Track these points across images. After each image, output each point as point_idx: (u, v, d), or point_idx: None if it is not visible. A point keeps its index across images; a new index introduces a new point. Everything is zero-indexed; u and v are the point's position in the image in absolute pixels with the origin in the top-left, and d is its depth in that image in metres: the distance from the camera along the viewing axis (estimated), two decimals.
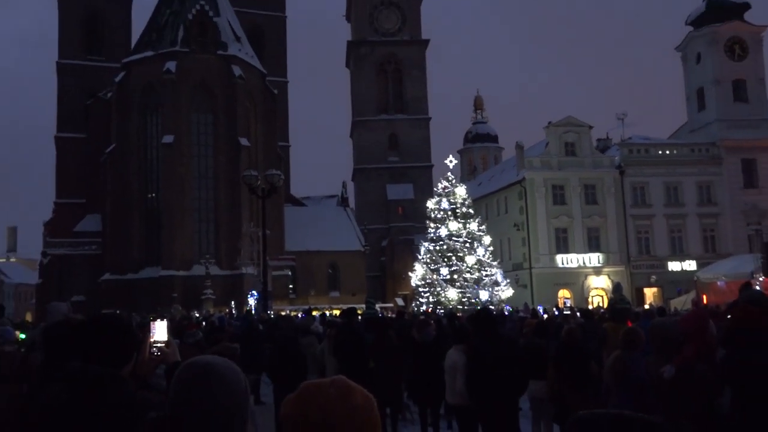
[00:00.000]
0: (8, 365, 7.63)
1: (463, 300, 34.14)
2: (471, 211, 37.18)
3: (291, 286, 55.30)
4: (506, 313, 25.48)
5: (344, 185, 68.71)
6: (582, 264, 46.55)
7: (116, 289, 49.22)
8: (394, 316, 21.11)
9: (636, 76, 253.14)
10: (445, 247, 35.67)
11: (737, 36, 49.49)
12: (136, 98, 53.65)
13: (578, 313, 19.26)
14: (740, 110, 48.57)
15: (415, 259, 39.35)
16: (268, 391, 13.26)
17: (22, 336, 9.33)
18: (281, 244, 54.11)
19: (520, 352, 7.96)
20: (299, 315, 22.96)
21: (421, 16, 72.89)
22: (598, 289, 45.78)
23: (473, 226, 36.27)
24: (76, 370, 2.73)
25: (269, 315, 23.98)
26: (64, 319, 5.10)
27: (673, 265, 45.91)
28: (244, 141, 52.54)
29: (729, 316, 6.77)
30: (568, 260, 46.62)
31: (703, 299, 29.13)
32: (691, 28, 51.59)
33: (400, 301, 52.41)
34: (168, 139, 51.13)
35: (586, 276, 46.48)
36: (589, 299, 44.46)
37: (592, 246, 46.86)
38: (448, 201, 36.45)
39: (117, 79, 54.37)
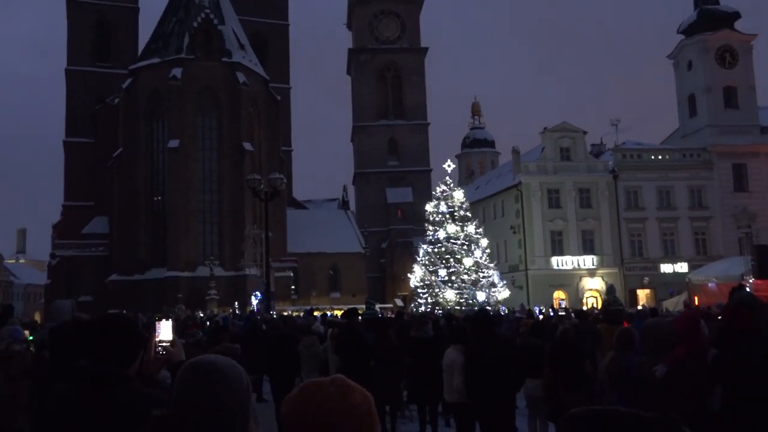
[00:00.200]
0: (18, 364, 7.63)
1: (461, 301, 34.13)
2: (468, 214, 37.19)
3: (293, 287, 55.21)
4: (503, 313, 25.49)
5: (345, 189, 68.69)
6: (576, 266, 46.55)
7: (123, 290, 49.18)
8: (393, 316, 21.10)
9: (629, 83, 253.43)
10: (443, 249, 35.66)
11: (728, 44, 49.56)
12: (142, 104, 53.67)
13: (573, 314, 19.27)
14: (731, 116, 48.62)
15: (414, 260, 39.33)
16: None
17: (31, 336, 9.31)
18: (284, 246, 54.10)
19: (517, 352, 7.96)
20: (300, 315, 22.93)
21: (420, 24, 72.98)
22: (593, 291, 45.78)
23: (471, 228, 36.26)
24: (83, 369, 2.73)
25: (272, 315, 23.95)
26: (72, 319, 5.10)
27: (666, 267, 45.92)
28: (247, 145, 52.56)
29: (719, 318, 6.78)
30: (563, 262, 46.61)
31: (694, 301, 29.12)
32: (682, 37, 51.66)
33: (399, 302, 52.34)
34: (174, 143, 51.16)
35: (580, 278, 46.48)
36: (584, 300, 44.46)
37: (587, 248, 46.87)
38: (447, 204, 36.45)
39: (124, 85, 54.41)
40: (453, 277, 34.92)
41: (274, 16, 69.42)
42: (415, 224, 58.59)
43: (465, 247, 35.63)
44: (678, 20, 54.14)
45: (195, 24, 53.01)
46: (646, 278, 45.89)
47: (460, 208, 36.56)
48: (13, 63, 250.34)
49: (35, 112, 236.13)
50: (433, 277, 35.37)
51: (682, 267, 44.47)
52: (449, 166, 38.06)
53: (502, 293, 35.90)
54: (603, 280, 44.56)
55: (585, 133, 48.90)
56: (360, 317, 13.69)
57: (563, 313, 23.83)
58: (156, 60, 53.38)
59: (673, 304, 29.53)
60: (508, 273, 45.39)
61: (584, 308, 31.38)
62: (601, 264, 46.58)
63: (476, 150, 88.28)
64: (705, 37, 49.26)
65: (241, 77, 53.05)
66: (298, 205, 65.97)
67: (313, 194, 76.06)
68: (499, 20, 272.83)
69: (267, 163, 52.49)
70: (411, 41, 71.69)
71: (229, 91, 52.79)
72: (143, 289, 48.90)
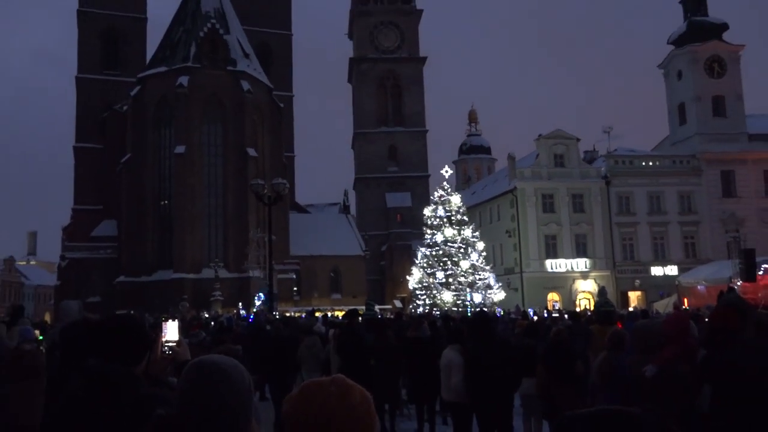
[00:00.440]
0: (29, 362, 7.62)
1: (458, 302, 34.09)
2: (465, 218, 37.16)
3: (295, 288, 55.19)
4: (498, 314, 25.47)
5: (346, 193, 68.65)
6: (570, 269, 46.52)
7: (130, 291, 49.12)
8: (392, 317, 21.09)
9: (621, 91, 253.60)
10: (440, 252, 35.63)
11: (716, 55, 49.61)
12: (150, 111, 53.68)
13: (566, 315, 19.27)
14: (719, 125, 48.65)
15: (413, 263, 39.30)
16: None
17: (41, 337, 9.30)
18: (286, 249, 54.11)
19: (513, 353, 7.95)
20: (302, 316, 22.92)
21: (419, 34, 73.10)
22: (585, 293, 45.74)
23: (467, 232, 36.23)
24: (92, 369, 2.73)
25: (275, 316, 23.93)
26: (82, 319, 5.10)
27: (656, 270, 45.90)
28: (251, 151, 52.56)
29: (707, 319, 6.78)
30: (556, 265, 46.58)
31: (684, 302, 29.14)
32: (672, 47, 51.72)
33: (398, 303, 52.30)
34: (180, 149, 51.15)
35: (573, 280, 46.45)
36: (577, 302, 44.43)
37: (580, 252, 46.85)
38: (444, 209, 36.42)
39: (132, 93, 54.44)
40: (450, 280, 34.89)
41: (277, 26, 69.47)
42: (413, 228, 58.57)
43: (462, 250, 35.60)
44: (668, 31, 54.28)
45: (201, 34, 53.08)
46: (638, 281, 45.86)
47: (457, 212, 36.54)
48: (26, 72, 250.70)
49: (46, 118, 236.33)
50: (431, 279, 35.34)
51: (672, 270, 44.46)
52: (447, 171, 38.06)
53: (498, 295, 35.85)
54: (595, 282, 44.51)
55: (578, 140, 48.93)
56: (360, 318, 13.68)
57: (557, 315, 23.84)
58: (163, 68, 53.40)
59: (664, 305, 29.54)
60: (504, 275, 45.37)
61: (577, 310, 31.35)
62: (594, 267, 46.55)
63: (473, 156, 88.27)
64: (694, 47, 49.32)
65: (246, 85, 53.09)
66: (301, 209, 65.92)
67: (315, 199, 75.92)
68: (495, 31, 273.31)
69: (270, 169, 52.50)
70: (410, 51, 71.79)
71: (234, 99, 52.82)
72: (150, 290, 48.85)
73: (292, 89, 70.25)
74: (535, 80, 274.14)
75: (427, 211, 37.42)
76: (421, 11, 73.19)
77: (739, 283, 24.72)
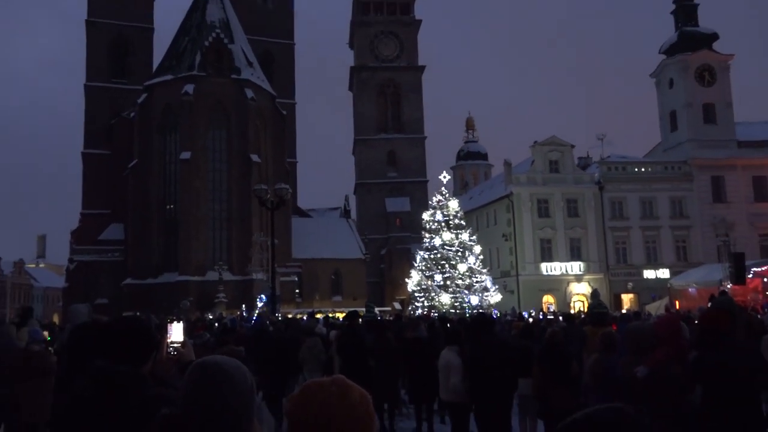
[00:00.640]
0: (37, 363, 7.62)
1: (456, 304, 34.06)
2: (463, 222, 37.15)
3: (297, 290, 55.14)
4: (494, 316, 25.44)
5: (347, 198, 68.67)
6: (564, 272, 46.48)
7: (137, 293, 49.08)
8: (392, 318, 21.07)
9: (615, 99, 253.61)
10: (439, 255, 35.61)
11: (707, 64, 49.67)
12: (156, 118, 53.73)
13: (561, 317, 19.24)
14: (709, 131, 48.69)
15: (412, 266, 39.26)
16: None
17: (49, 337, 9.29)
18: (288, 252, 54.09)
19: (512, 354, 7.94)
20: (304, 318, 22.89)
21: (418, 44, 73.22)
22: (580, 295, 45.69)
23: (465, 236, 36.21)
24: (99, 369, 2.73)
25: (277, 317, 23.91)
26: (91, 321, 5.10)
27: (648, 273, 45.85)
28: (255, 157, 52.59)
29: (697, 321, 6.78)
30: (551, 268, 46.55)
31: (675, 305, 29.15)
32: (664, 57, 51.80)
33: (397, 305, 52.22)
34: (185, 155, 51.20)
35: (568, 283, 46.40)
36: (571, 304, 44.36)
37: (574, 255, 46.82)
38: (442, 213, 36.41)
39: (139, 101, 54.50)
40: (448, 282, 34.86)
41: (280, 35, 69.59)
42: (412, 232, 58.55)
43: (459, 253, 35.57)
44: (660, 41, 54.35)
45: (206, 43, 53.18)
46: (630, 283, 45.81)
47: (455, 216, 36.53)
48: (36, 80, 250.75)
49: (56, 125, 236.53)
50: (429, 282, 35.31)
51: (664, 273, 44.42)
52: (445, 177, 38.05)
53: (495, 297, 35.82)
54: (589, 285, 44.40)
55: (572, 146, 48.93)
56: (360, 320, 13.67)
57: (552, 317, 23.82)
58: (169, 77, 53.48)
59: (656, 308, 29.48)
60: (500, 278, 45.31)
61: (571, 312, 31.31)
62: (588, 270, 46.52)
63: (470, 162, 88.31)
64: (685, 57, 49.39)
65: (250, 93, 53.15)
66: (303, 213, 65.91)
67: (317, 203, 76.02)
68: (492, 41, 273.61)
69: (273, 174, 52.50)
70: (409, 60, 71.91)
71: (238, 106, 52.87)
72: (156, 292, 48.80)
73: (295, 97, 70.31)
74: (531, 88, 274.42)
75: (426, 216, 37.41)
76: (419, 21, 73.37)
77: (729, 286, 24.71)
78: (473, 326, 7.98)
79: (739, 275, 24.98)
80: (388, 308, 49.04)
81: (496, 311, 31.18)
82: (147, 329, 3.00)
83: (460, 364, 7.74)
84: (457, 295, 34.55)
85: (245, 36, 59.84)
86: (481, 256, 37.28)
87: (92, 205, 60.44)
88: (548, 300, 45.35)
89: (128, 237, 54.08)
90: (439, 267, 35.34)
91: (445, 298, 34.35)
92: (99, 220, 58.66)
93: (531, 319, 21.47)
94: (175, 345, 2.97)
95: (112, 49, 63.66)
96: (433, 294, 34.85)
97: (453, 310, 32.12)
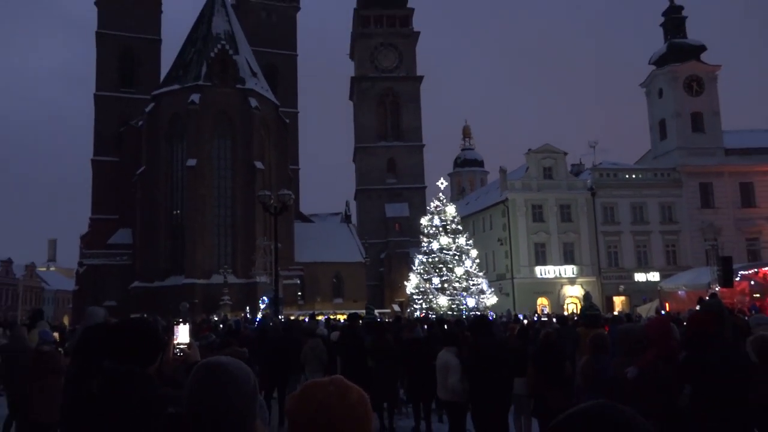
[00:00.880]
0: (47, 363, 7.61)
1: (453, 306, 34.01)
2: (460, 227, 37.10)
3: (299, 293, 55.13)
4: (490, 318, 25.40)
5: (347, 204, 68.70)
6: (558, 275, 46.46)
7: (144, 296, 49.05)
8: (391, 320, 21.04)
9: (606, 108, 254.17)
10: (436, 259, 35.56)
11: (695, 74, 49.79)
12: (163, 126, 53.78)
13: (554, 319, 19.22)
14: (698, 139, 48.77)
15: (410, 269, 39.20)
16: None
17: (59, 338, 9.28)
18: (291, 256, 54.05)
19: (509, 355, 7.93)
20: (305, 319, 22.86)
21: (416, 55, 73.39)
22: (573, 297, 45.65)
23: (461, 240, 36.17)
24: (108, 368, 2.73)
25: (280, 319, 23.89)
26: (102, 323, 5.09)
27: (639, 276, 45.84)
28: (258, 164, 52.63)
29: (686, 323, 6.78)
30: (545, 271, 46.53)
31: (665, 307, 29.08)
32: (654, 67, 51.91)
33: (396, 307, 52.14)
34: (191, 162, 51.24)
35: (561, 285, 46.38)
36: (565, 306, 44.34)
37: (567, 259, 46.81)
38: (440, 218, 36.38)
39: (147, 110, 54.56)
40: (445, 285, 34.81)
41: (283, 47, 69.75)
42: (411, 236, 58.52)
43: (456, 257, 35.53)
44: (650, 52, 54.48)
45: (212, 54, 53.29)
46: (622, 286, 45.79)
47: (452, 221, 36.50)
48: (48, 90, 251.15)
49: (66, 134, 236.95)
50: (427, 285, 35.25)
51: (654, 276, 44.38)
52: (442, 183, 38.05)
53: (490, 300, 35.76)
54: (582, 287, 44.38)
55: (566, 154, 48.99)
56: (361, 321, 13.65)
57: (546, 318, 23.79)
58: (176, 86, 53.57)
59: (646, 310, 29.43)
60: (496, 281, 45.28)
61: (565, 314, 31.26)
62: (581, 273, 46.50)
63: (467, 169, 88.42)
64: (674, 67, 49.51)
65: (254, 102, 53.24)
66: (305, 218, 65.94)
67: (319, 209, 75.80)
68: (488, 52, 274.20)
69: (276, 181, 52.54)
70: (408, 70, 72.06)
71: (242, 115, 52.95)
72: (163, 294, 48.75)
73: (297, 106, 70.43)
74: (526, 98, 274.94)
75: (424, 221, 37.38)
76: (418, 33, 73.54)
77: (717, 289, 24.68)
78: (473, 327, 7.97)
79: (726, 278, 24.93)
80: (388, 310, 48.98)
81: (491, 313, 31.12)
82: (154, 331, 3.00)
83: (458, 364, 7.73)
84: (455, 297, 34.49)
85: (250, 47, 59.97)
86: (478, 260, 37.23)
87: (101, 211, 60.48)
88: (542, 302, 45.30)
89: (136, 241, 54.07)
90: (437, 270, 35.29)
91: (443, 301, 34.30)
92: (108, 225, 58.68)
93: (526, 321, 21.43)
94: (181, 346, 2.97)
95: (121, 60, 63.79)
96: (431, 296, 34.80)
97: (450, 312, 32.06)
